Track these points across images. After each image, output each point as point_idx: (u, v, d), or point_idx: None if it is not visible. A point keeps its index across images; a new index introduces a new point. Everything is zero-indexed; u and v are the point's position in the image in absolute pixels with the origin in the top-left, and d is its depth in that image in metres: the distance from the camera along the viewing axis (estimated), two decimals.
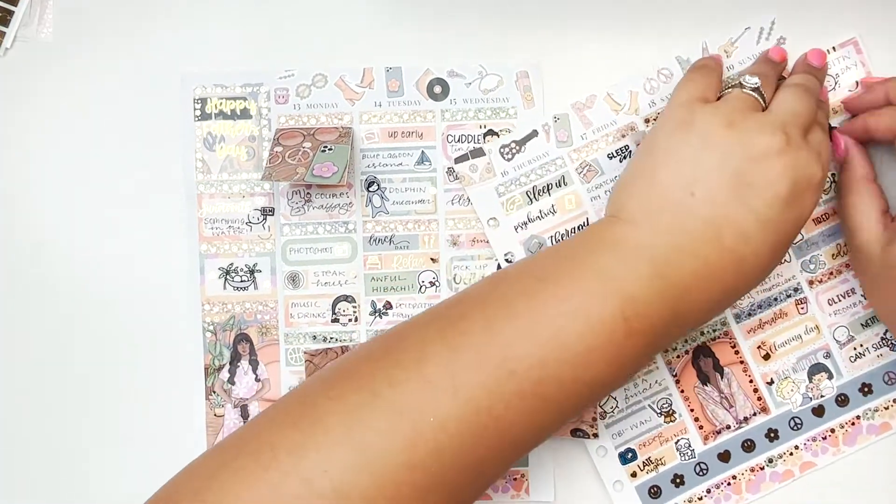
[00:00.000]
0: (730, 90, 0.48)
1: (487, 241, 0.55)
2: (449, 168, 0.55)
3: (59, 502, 0.55)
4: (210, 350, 0.55)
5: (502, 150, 0.55)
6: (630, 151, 0.55)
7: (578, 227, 0.55)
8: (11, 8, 0.54)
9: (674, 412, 0.54)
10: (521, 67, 0.55)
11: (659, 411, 0.54)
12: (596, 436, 0.53)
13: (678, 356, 0.55)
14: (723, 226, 0.43)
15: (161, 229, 0.55)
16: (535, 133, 0.55)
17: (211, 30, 0.56)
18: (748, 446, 0.54)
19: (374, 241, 0.55)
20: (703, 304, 0.44)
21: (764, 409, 0.54)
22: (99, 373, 0.55)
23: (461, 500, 0.41)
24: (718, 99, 0.48)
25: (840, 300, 0.55)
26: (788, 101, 0.47)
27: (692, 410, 0.54)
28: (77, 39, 0.56)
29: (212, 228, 0.55)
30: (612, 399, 0.54)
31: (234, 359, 0.55)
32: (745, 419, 0.54)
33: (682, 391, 0.55)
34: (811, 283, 0.55)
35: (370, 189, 0.55)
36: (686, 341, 0.55)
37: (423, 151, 0.55)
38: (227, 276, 0.55)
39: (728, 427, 0.54)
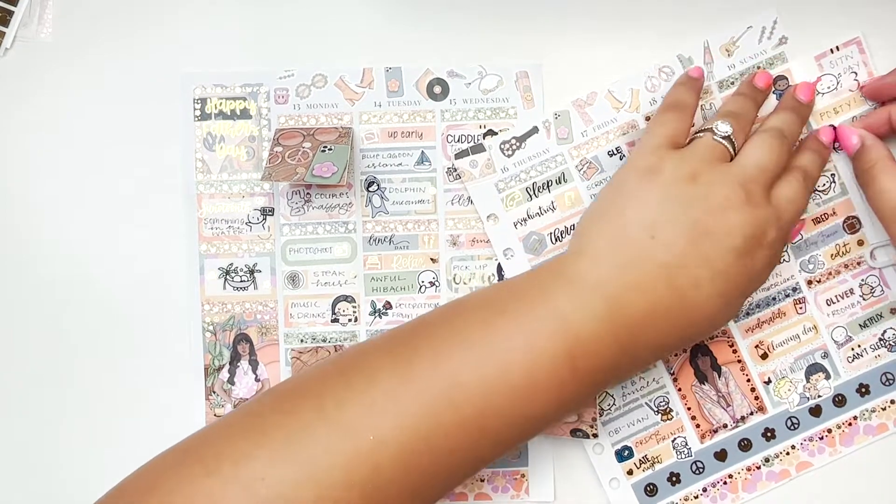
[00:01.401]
0: (700, 135, 0.49)
1: (487, 241, 0.55)
2: (449, 168, 0.55)
3: (56, 501, 0.55)
4: (210, 350, 0.55)
5: (503, 146, 0.55)
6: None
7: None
8: (11, 8, 0.54)
9: (671, 410, 0.55)
10: (521, 67, 0.55)
11: (656, 409, 0.55)
12: (595, 436, 0.53)
13: (676, 355, 0.55)
14: (677, 271, 0.44)
15: (161, 229, 0.55)
16: (535, 130, 0.55)
17: (211, 30, 0.56)
18: (745, 445, 0.54)
19: (374, 241, 0.55)
20: (652, 344, 0.45)
21: (761, 409, 0.55)
22: (98, 372, 0.55)
23: None
24: (690, 142, 0.49)
25: (839, 300, 0.55)
26: (756, 154, 0.48)
27: (689, 409, 0.55)
28: (77, 39, 0.55)
29: (211, 228, 0.55)
30: (610, 397, 0.54)
31: (234, 359, 0.55)
32: (742, 418, 0.55)
33: (680, 389, 0.55)
34: (810, 283, 0.55)
35: (370, 189, 0.55)
36: None
37: (422, 151, 0.55)
38: (227, 277, 0.55)
39: (725, 426, 0.55)
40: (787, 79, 0.54)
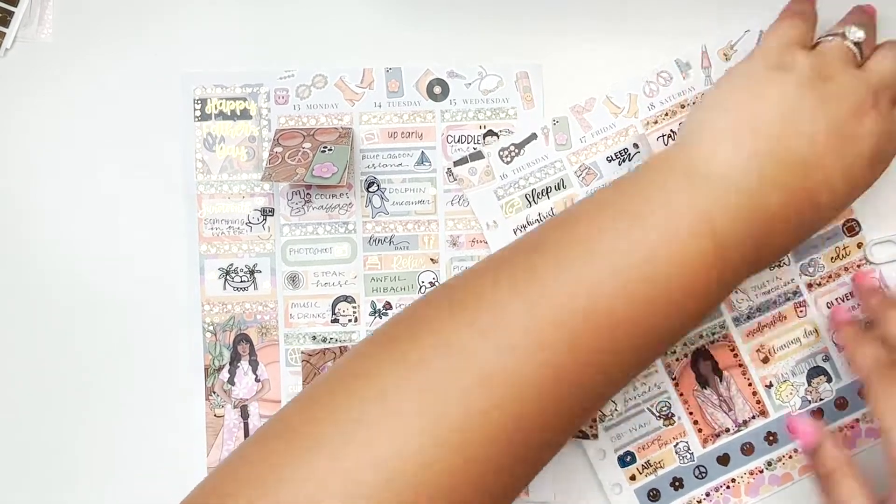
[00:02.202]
0: (831, 38, 0.47)
1: (487, 243, 0.55)
2: (448, 169, 0.55)
3: (56, 501, 0.55)
4: (210, 350, 0.55)
5: (501, 152, 0.55)
6: (629, 154, 0.55)
7: None
8: (11, 8, 0.54)
9: (673, 415, 0.54)
10: (521, 68, 0.55)
11: (658, 414, 0.54)
12: (595, 437, 0.53)
13: (677, 359, 0.55)
14: (814, 168, 0.42)
15: (161, 229, 0.55)
16: (534, 136, 0.55)
17: (211, 30, 0.56)
18: (747, 449, 0.54)
19: (374, 241, 0.55)
20: (778, 246, 0.44)
21: (763, 413, 0.54)
22: (98, 373, 0.55)
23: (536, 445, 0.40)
24: (815, 47, 0.47)
25: (838, 303, 0.55)
26: (889, 65, 0.46)
27: (691, 414, 0.54)
28: (77, 40, 0.55)
29: (212, 229, 0.55)
30: (612, 402, 0.54)
31: (234, 359, 0.55)
32: (744, 422, 0.54)
33: (682, 394, 0.55)
34: (810, 286, 0.55)
35: (370, 189, 0.55)
36: (685, 344, 0.54)
37: (422, 152, 0.55)
38: (227, 277, 0.55)
39: (727, 430, 0.54)
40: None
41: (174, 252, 0.55)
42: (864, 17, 0.50)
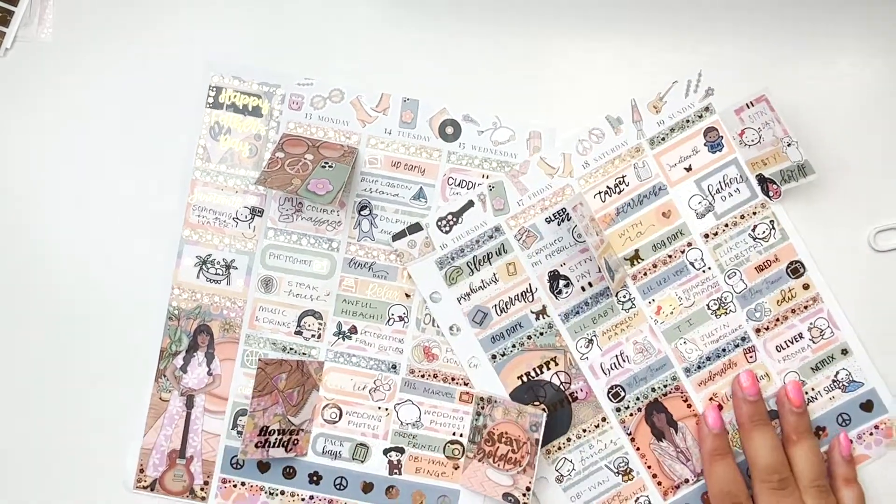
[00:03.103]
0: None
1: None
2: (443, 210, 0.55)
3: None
4: (169, 334, 0.55)
5: (439, 223, 0.55)
6: (567, 215, 0.55)
7: (522, 294, 0.55)
8: (11, 8, 0.54)
9: (631, 470, 0.55)
10: (535, 128, 0.55)
11: (616, 471, 0.55)
12: None
13: (631, 414, 0.55)
14: None
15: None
16: (471, 203, 0.55)
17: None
18: (707, 499, 0.54)
19: (354, 264, 0.55)
20: None
21: None
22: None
23: None
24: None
25: (788, 346, 0.55)
26: None
27: (649, 467, 0.55)
28: (77, 39, 0.55)
29: (198, 216, 0.55)
30: (569, 462, 0.54)
31: (192, 348, 0.55)
32: (703, 472, 0.54)
33: (638, 449, 0.55)
34: (758, 330, 0.55)
35: (361, 213, 0.55)
36: (638, 398, 0.55)
37: (421, 188, 0.55)
38: (203, 266, 0.55)
39: (686, 481, 0.55)
40: (717, 130, 0.55)
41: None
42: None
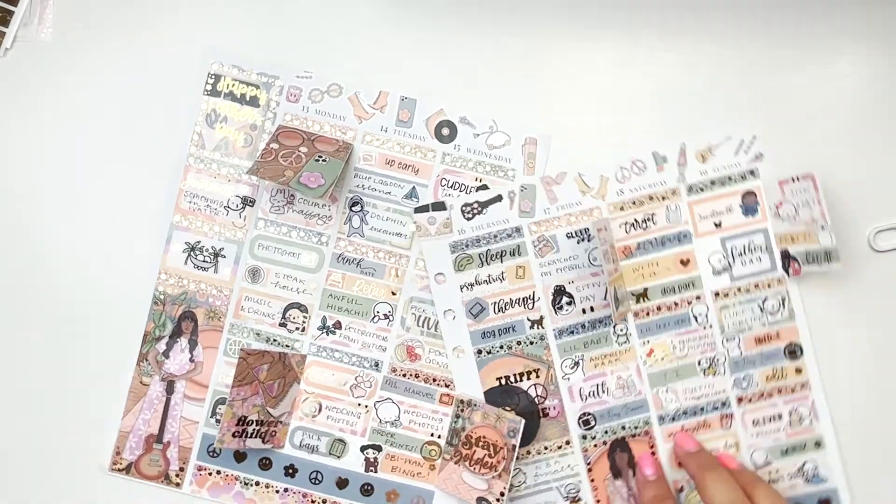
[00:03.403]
0: None
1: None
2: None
3: None
4: (154, 318, 0.55)
5: (464, 208, 0.55)
6: (588, 236, 0.55)
7: (524, 300, 0.55)
8: (11, 8, 0.54)
9: (580, 500, 0.54)
10: (532, 133, 0.55)
11: (565, 496, 0.54)
12: None
13: (595, 445, 0.55)
14: None
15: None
16: (499, 198, 0.55)
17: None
18: None
19: (343, 259, 0.55)
20: None
21: None
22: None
23: None
24: None
25: (765, 423, 0.55)
26: None
27: (598, 501, 0.54)
28: (77, 39, 0.55)
29: (189, 202, 0.55)
30: (522, 474, 0.54)
31: (175, 334, 0.55)
32: None
33: (593, 480, 0.55)
34: (740, 399, 0.55)
35: (353, 209, 0.55)
36: (606, 432, 0.55)
37: (414, 187, 0.55)
38: (192, 253, 0.55)
39: None
40: (756, 195, 0.55)
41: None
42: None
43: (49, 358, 0.55)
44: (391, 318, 0.55)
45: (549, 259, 0.55)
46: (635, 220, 0.55)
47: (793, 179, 0.54)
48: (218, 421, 0.54)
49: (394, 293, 0.55)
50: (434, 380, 0.55)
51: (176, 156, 0.55)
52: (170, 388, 0.55)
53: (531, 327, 0.54)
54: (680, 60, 0.55)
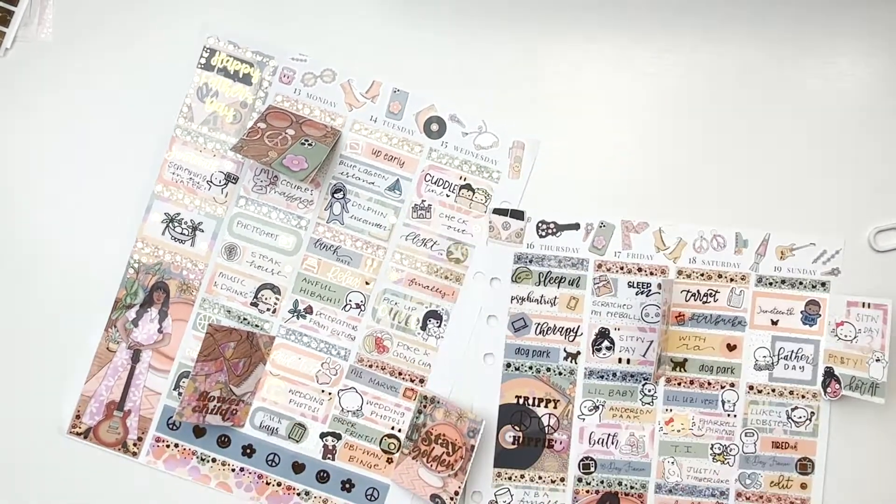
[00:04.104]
0: None
1: (426, 286, 0.54)
2: (416, 205, 0.55)
3: None
4: (126, 286, 0.55)
5: (540, 224, 0.55)
6: (648, 291, 0.54)
7: (567, 330, 0.54)
8: (11, 8, 0.54)
9: None
10: (520, 137, 0.55)
11: None
12: None
13: (587, 491, 0.54)
14: None
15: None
16: (577, 226, 0.55)
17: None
18: None
19: (320, 245, 0.55)
20: None
21: None
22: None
23: None
24: None
25: None
26: None
27: None
28: (77, 39, 0.55)
29: (173, 173, 0.55)
30: (509, 495, 0.54)
31: (146, 303, 0.55)
32: None
33: None
34: (739, 495, 0.55)
35: (335, 195, 0.55)
36: (602, 482, 0.54)
37: (398, 179, 0.55)
38: (170, 224, 0.55)
39: None
40: (820, 307, 0.55)
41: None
42: None
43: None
44: (363, 307, 0.55)
45: (604, 300, 0.55)
46: (698, 291, 0.55)
47: (864, 305, 0.53)
48: (180, 394, 0.54)
49: (368, 283, 0.55)
50: (400, 373, 0.55)
51: (164, 126, 0.55)
52: (136, 357, 0.55)
53: (565, 359, 0.55)
54: (681, 61, 0.55)
